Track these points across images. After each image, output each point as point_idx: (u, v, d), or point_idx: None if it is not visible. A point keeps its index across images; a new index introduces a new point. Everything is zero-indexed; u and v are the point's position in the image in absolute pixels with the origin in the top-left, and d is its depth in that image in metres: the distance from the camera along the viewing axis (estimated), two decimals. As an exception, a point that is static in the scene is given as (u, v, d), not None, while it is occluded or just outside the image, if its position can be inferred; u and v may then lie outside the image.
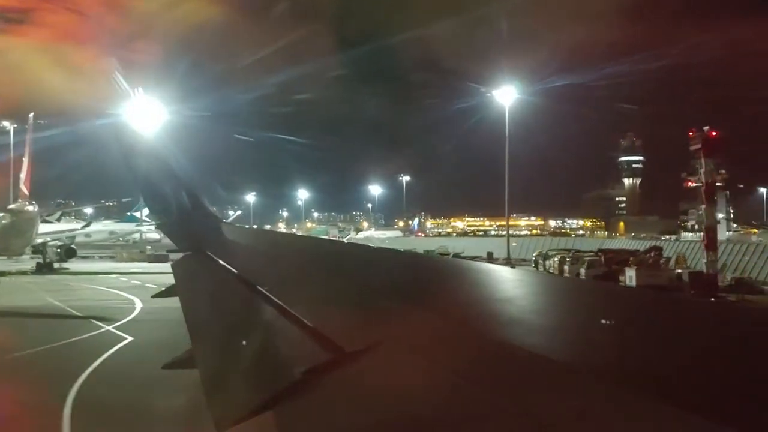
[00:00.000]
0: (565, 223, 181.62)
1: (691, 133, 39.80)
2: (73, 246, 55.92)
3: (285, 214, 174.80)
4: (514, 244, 79.77)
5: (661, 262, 45.49)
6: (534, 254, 60.59)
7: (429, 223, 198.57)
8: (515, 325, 2.19)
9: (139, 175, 8.39)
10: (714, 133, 39.67)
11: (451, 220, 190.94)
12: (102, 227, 69.25)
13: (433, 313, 2.41)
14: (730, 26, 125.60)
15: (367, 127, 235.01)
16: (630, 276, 40.72)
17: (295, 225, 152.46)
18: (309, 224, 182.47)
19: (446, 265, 7.15)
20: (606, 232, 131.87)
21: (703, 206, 39.63)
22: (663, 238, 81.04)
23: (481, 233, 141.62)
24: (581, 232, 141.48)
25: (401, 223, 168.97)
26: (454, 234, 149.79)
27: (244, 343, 3.20)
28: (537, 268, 52.84)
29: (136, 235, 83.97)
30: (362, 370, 2.05)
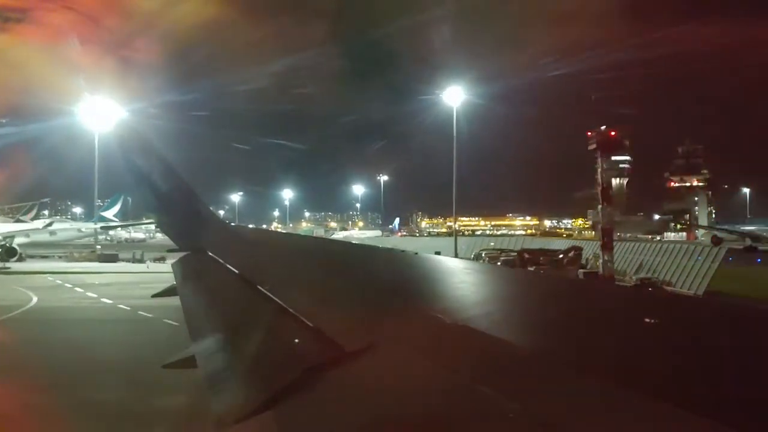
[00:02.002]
0: (560, 223, 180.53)
1: (589, 133, 39.57)
2: (14, 246, 57.33)
3: (276, 214, 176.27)
4: (491, 243, 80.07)
5: (582, 261, 45.74)
6: (473, 253, 61.15)
7: (424, 223, 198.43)
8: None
9: (140, 174, 8.37)
10: (612, 134, 39.45)
11: (447, 219, 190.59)
12: (44, 228, 70.65)
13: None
14: (728, 25, 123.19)
15: (365, 127, 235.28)
16: (531, 275, 40.79)
17: (290, 224, 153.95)
18: (304, 224, 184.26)
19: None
20: (593, 232, 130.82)
21: (600, 207, 39.45)
22: (657, 238, 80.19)
23: (469, 233, 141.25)
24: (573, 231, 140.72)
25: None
26: (445, 233, 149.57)
27: (243, 342, 3.22)
28: None
29: (112, 234, 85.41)
30: (362, 368, 2.08)
